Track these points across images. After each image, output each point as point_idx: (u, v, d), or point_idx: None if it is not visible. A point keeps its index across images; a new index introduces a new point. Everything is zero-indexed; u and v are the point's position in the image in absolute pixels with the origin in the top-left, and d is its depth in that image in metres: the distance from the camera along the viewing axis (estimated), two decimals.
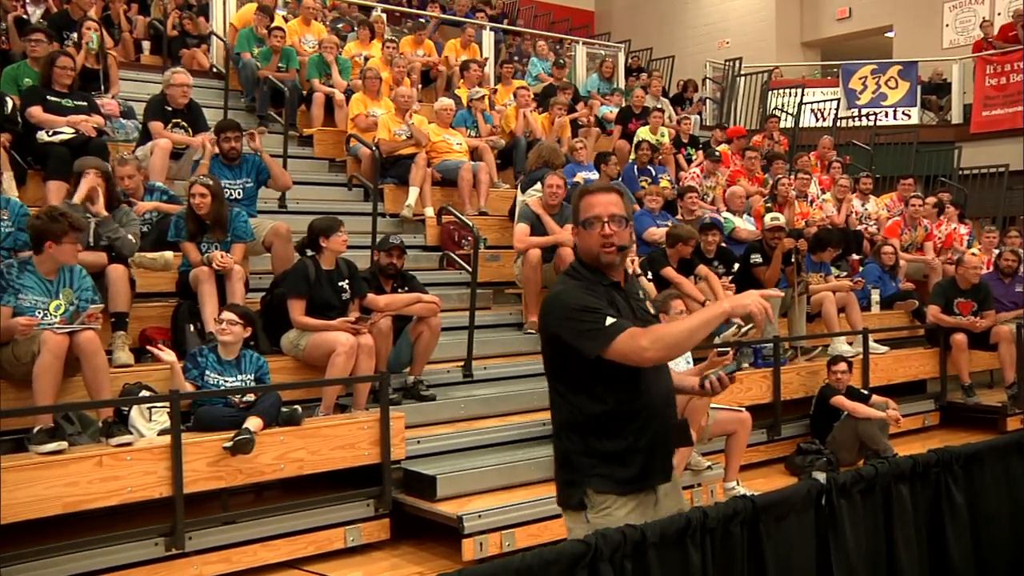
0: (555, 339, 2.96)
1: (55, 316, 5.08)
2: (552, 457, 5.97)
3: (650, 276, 7.34)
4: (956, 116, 15.78)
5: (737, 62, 16.23)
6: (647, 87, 13.04)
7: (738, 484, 6.43)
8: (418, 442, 5.87)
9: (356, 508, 5.47)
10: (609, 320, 2.85)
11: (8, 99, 6.94)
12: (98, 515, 4.74)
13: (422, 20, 12.89)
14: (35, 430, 4.72)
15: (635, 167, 10.09)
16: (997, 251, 9.79)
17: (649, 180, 9.77)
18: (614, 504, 2.98)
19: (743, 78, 16.12)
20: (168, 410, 4.91)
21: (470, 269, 7.28)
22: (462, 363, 6.85)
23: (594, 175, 9.33)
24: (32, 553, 4.44)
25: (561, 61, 13.24)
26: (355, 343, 5.74)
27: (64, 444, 4.71)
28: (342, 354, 5.66)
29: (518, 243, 7.55)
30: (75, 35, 8.74)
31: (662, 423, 3.05)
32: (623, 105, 12.36)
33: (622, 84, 14.19)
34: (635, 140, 10.98)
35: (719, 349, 6.49)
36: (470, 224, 7.58)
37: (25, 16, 9.01)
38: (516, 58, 13.94)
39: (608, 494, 2.98)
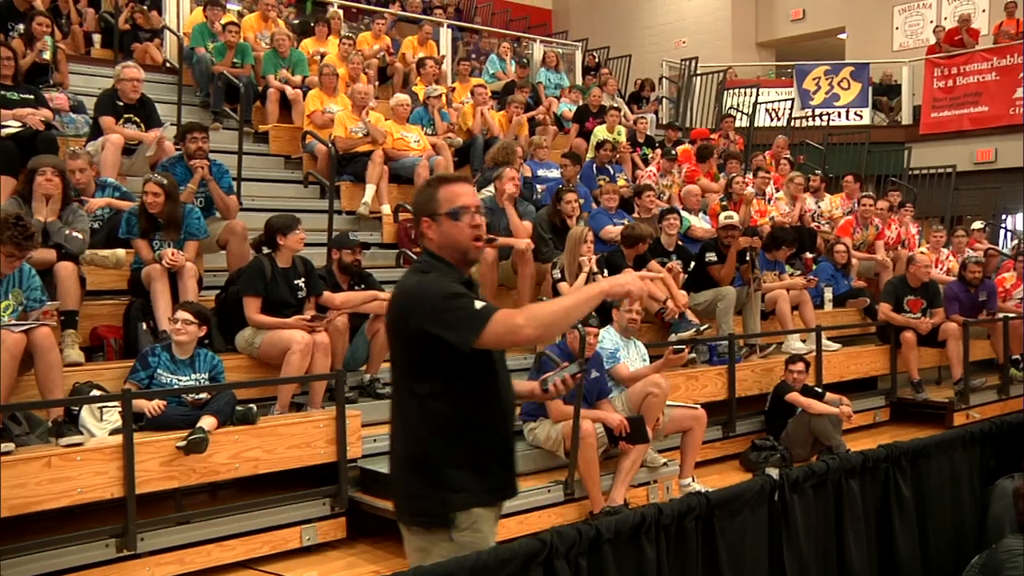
0: (421, 336, 2.69)
1: (4, 316, 4.99)
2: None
3: (607, 274, 7.37)
4: (906, 117, 16.09)
5: (693, 61, 16.38)
6: (603, 85, 13.10)
7: (693, 480, 6.49)
8: (374, 440, 5.83)
9: (312, 507, 5.44)
10: (478, 304, 2.66)
11: None
12: (48, 517, 4.65)
13: (381, 17, 12.81)
14: None
15: (594, 165, 10.13)
16: (945, 250, 9.97)
17: (607, 179, 9.81)
18: (480, 518, 2.80)
19: (699, 77, 16.26)
20: (119, 409, 4.84)
21: None
22: None
23: (556, 173, 9.37)
24: None
25: (524, 60, 13.26)
26: (311, 341, 5.71)
27: (11, 445, 4.62)
28: (297, 352, 5.63)
29: None
30: (20, 26, 8.58)
31: (511, 428, 2.95)
32: (580, 103, 12.41)
33: (579, 81, 14.24)
34: (592, 139, 11.03)
35: (675, 347, 6.62)
36: None
37: None
38: (474, 56, 13.92)
39: (475, 508, 2.79)
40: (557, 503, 5.85)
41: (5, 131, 6.75)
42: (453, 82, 11.97)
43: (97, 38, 10.90)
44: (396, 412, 2.87)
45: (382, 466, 5.67)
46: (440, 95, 10.20)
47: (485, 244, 2.85)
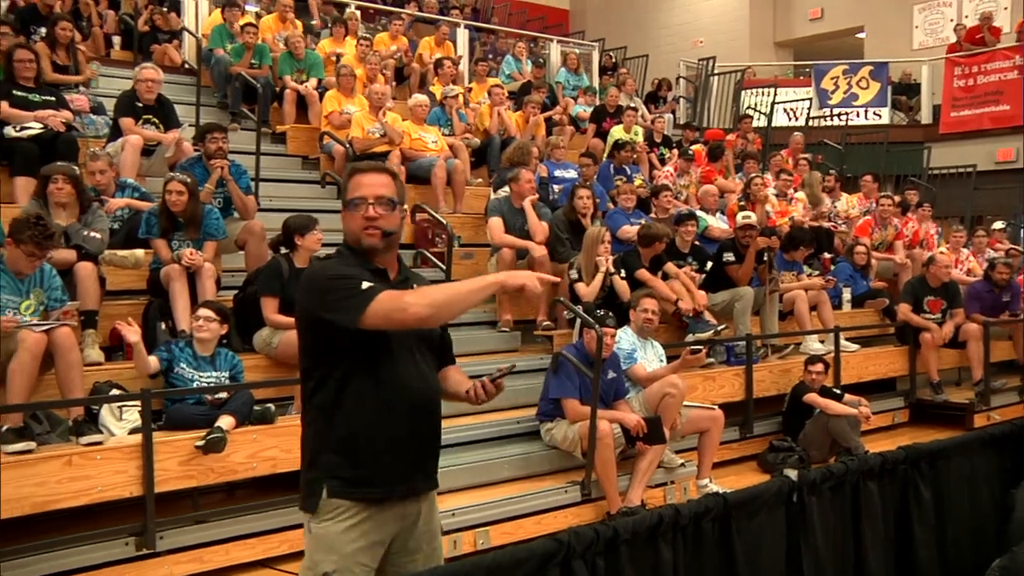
0: (315, 322, 2.74)
1: (26, 316, 5.03)
2: (526, 455, 6.03)
3: (624, 275, 7.37)
4: (926, 117, 15.98)
5: (710, 61, 16.33)
6: (621, 86, 13.08)
7: (711, 482, 6.47)
8: None
9: None
10: (365, 284, 2.65)
11: None
12: (68, 515, 4.68)
13: (398, 18, 12.83)
14: (3, 429, 4.67)
15: (611, 166, 10.12)
16: (965, 250, 9.89)
17: (624, 179, 9.80)
18: (342, 513, 2.77)
19: (716, 77, 16.21)
20: (139, 409, 4.87)
21: (444, 267, 7.27)
22: None
23: (573, 173, 9.36)
24: (2, 554, 4.39)
25: (540, 61, 13.26)
26: None
27: (32, 444, 4.66)
28: None
29: (493, 237, 7.56)
30: (43, 30, 8.65)
31: (412, 425, 2.83)
32: (596, 104, 12.40)
33: (596, 82, 14.23)
34: (609, 139, 11.02)
35: (692, 347, 6.60)
36: (444, 222, 7.56)
37: None
38: (490, 56, 13.93)
39: (338, 498, 2.77)
40: (574, 503, 5.85)
41: (27, 133, 6.81)
42: (470, 82, 11.98)
43: (117, 40, 10.97)
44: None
45: None
46: (457, 95, 10.21)
47: (381, 236, 2.79)
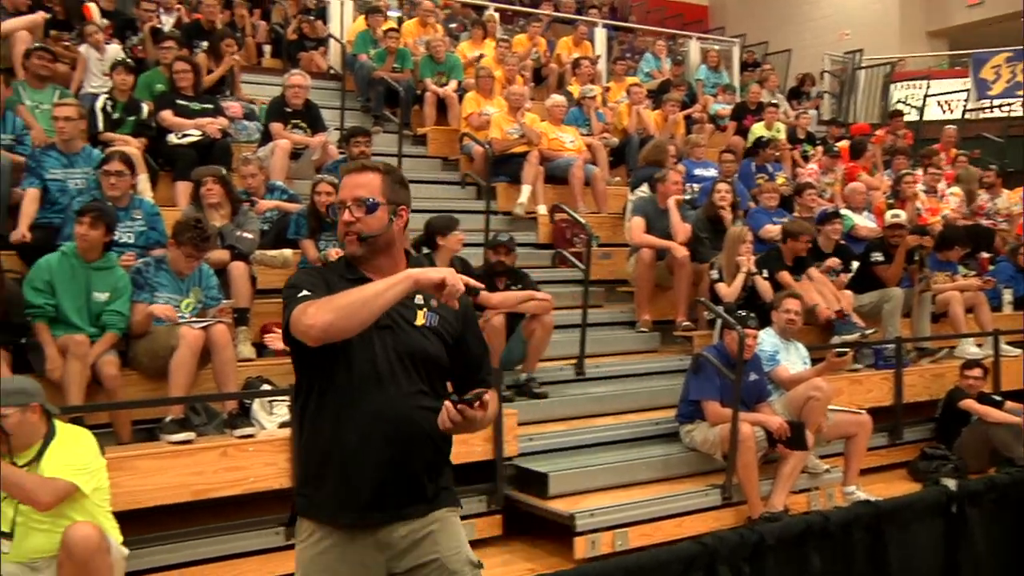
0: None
1: (185, 313, 5.30)
2: (666, 456, 5.96)
3: (766, 275, 7.19)
4: None
5: (857, 54, 15.74)
6: (763, 82, 12.78)
7: (858, 489, 6.23)
8: (530, 439, 5.89)
9: (469, 504, 5.50)
10: (302, 294, 2.49)
11: (143, 105, 7.29)
12: (222, 503, 4.88)
13: (536, 19, 12.89)
14: (166, 420, 4.93)
15: (752, 164, 9.89)
16: None
17: (766, 177, 9.56)
18: (314, 534, 2.60)
19: (864, 71, 15.61)
20: (288, 404, 5.04)
21: (583, 267, 7.27)
22: (575, 361, 6.84)
23: (713, 172, 9.20)
24: (162, 537, 4.63)
25: (679, 58, 13.09)
26: None
27: (192, 435, 4.90)
28: None
29: (633, 236, 7.50)
30: (205, 43, 9.11)
31: (383, 449, 2.55)
32: (735, 102, 12.15)
33: (736, 79, 13.94)
34: (750, 136, 10.78)
35: (838, 350, 6.38)
36: (583, 222, 7.56)
37: (159, 26, 9.41)
38: (628, 55, 13.83)
39: (304, 518, 2.63)
40: (714, 507, 5.74)
41: (187, 139, 7.18)
42: (608, 82, 11.93)
43: (267, 49, 11.41)
44: None
45: (539, 465, 5.71)
46: (595, 95, 10.18)
47: (359, 242, 2.59)
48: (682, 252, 7.31)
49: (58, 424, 4.03)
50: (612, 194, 9.11)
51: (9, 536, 3.82)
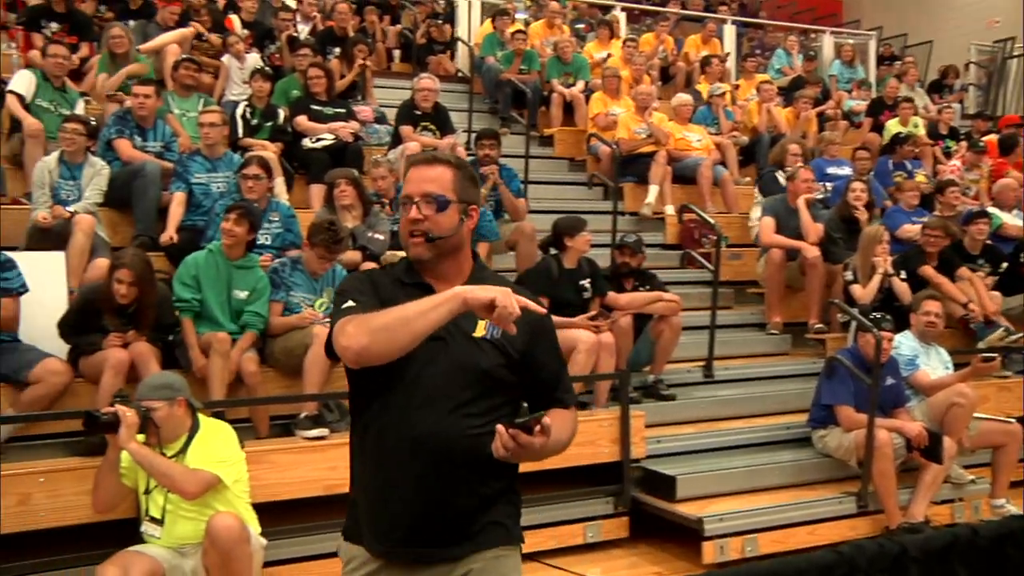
0: None
1: (319, 312, 5.46)
2: (797, 462, 5.82)
3: (904, 276, 6.92)
4: None
5: (1009, 43, 14.92)
6: (902, 76, 12.30)
7: (1007, 502, 5.91)
8: (658, 441, 5.84)
9: (596, 505, 5.50)
10: (347, 305, 2.24)
11: (280, 111, 7.56)
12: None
13: (664, 18, 12.75)
14: (301, 416, 5.10)
15: (889, 161, 9.53)
16: None
17: (904, 175, 9.21)
18: (358, 559, 2.37)
19: (1015, 60, 14.79)
20: None
21: (711, 268, 7.16)
22: (703, 363, 6.75)
23: (846, 170, 8.92)
24: (298, 529, 4.78)
25: (811, 54, 12.74)
26: (596, 341, 5.77)
27: (326, 431, 5.05)
28: (583, 352, 5.71)
29: (763, 237, 7.35)
30: (337, 49, 9.37)
31: (423, 481, 2.25)
32: (871, 98, 11.73)
33: (872, 74, 13.45)
34: (885, 133, 10.40)
35: (984, 355, 6.09)
36: (712, 222, 7.44)
37: (295, 34, 9.74)
38: (758, 51, 13.53)
39: (347, 543, 2.41)
40: (849, 515, 5.56)
41: (321, 143, 7.40)
42: (737, 79, 11.70)
43: (397, 53, 11.65)
44: None
45: (666, 467, 5.66)
46: (724, 93, 10.01)
47: (426, 243, 2.31)
48: (813, 252, 7.11)
49: (202, 418, 4.23)
50: (742, 194, 8.94)
51: (160, 522, 4.03)
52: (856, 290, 6.79)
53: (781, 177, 8.11)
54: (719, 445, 6.05)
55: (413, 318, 2.10)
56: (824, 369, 6.01)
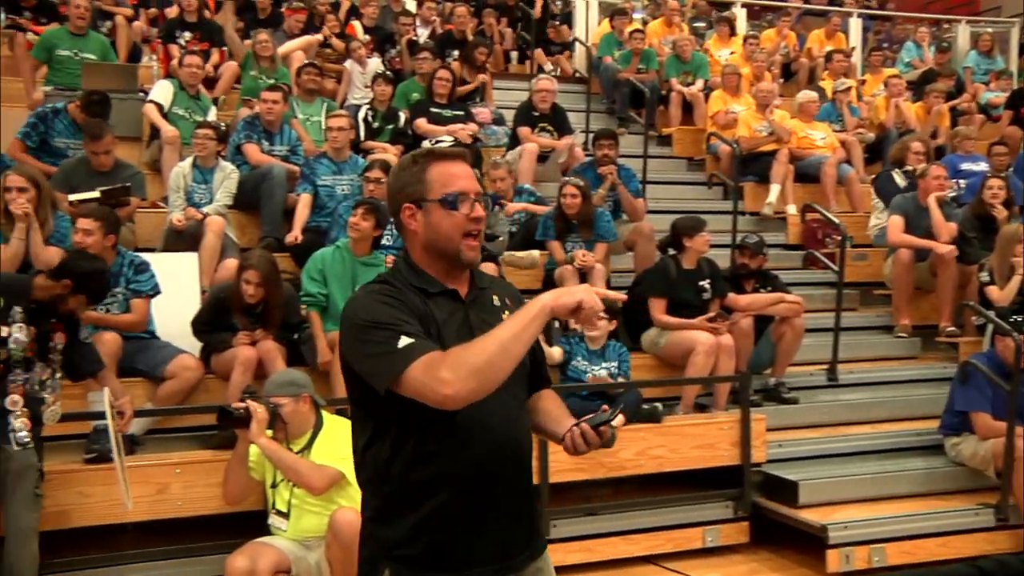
0: (349, 366, 2.16)
1: None
2: (928, 470, 5.60)
3: None
4: None
5: None
6: None
7: None
8: (779, 446, 5.71)
9: (715, 509, 5.42)
10: (404, 341, 2.01)
11: (400, 114, 7.71)
12: None
13: (785, 13, 12.45)
14: None
15: None
16: None
17: None
18: None
19: None
20: None
21: (836, 268, 6.96)
22: (826, 366, 6.57)
23: (982, 166, 8.53)
24: None
25: (945, 45, 12.24)
26: (715, 342, 5.69)
27: None
28: (702, 353, 5.64)
29: (891, 236, 7.09)
30: (456, 52, 9.50)
31: (499, 485, 2.16)
32: (1012, 89, 11.17)
33: (1014, 64, 12.82)
34: None
35: None
36: (836, 222, 7.23)
37: (415, 38, 9.91)
38: (886, 45, 13.07)
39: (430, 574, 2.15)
40: (986, 528, 5.30)
41: (440, 145, 7.49)
42: (863, 74, 11.34)
43: (514, 55, 11.72)
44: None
45: (788, 472, 5.53)
46: (848, 89, 9.70)
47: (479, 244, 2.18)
48: (945, 249, 6.82)
49: (325, 414, 4.34)
50: (867, 192, 8.65)
51: (286, 515, 4.16)
52: (992, 292, 6.49)
53: (898, 177, 7.81)
54: (843, 451, 5.87)
55: (511, 344, 1.96)
56: (958, 374, 5.76)
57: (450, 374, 1.94)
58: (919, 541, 5.11)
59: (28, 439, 3.83)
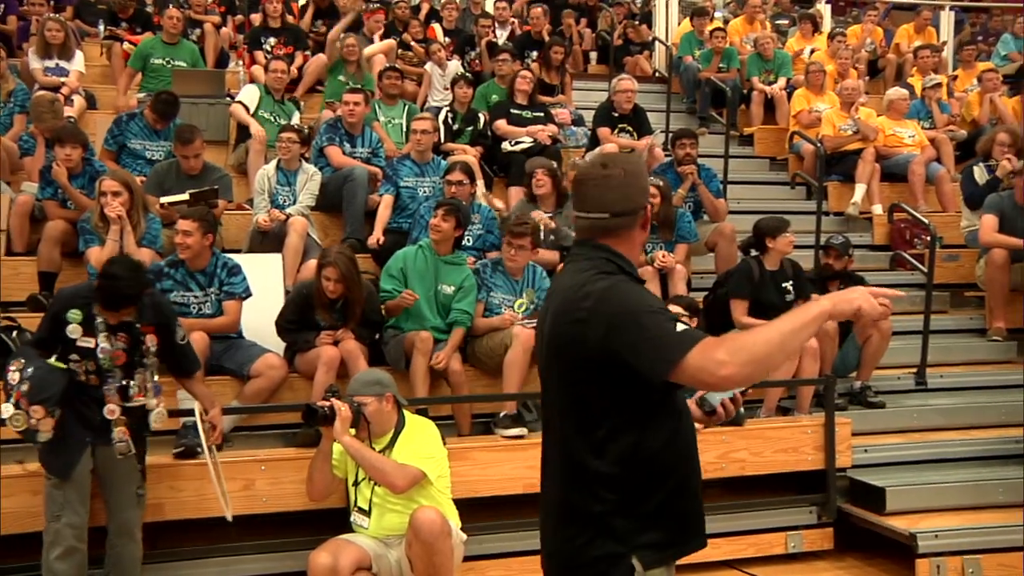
0: (606, 357, 2.15)
1: (518, 313, 5.55)
2: (1022, 480, 5.39)
3: None
4: None
5: None
6: None
7: None
8: (865, 451, 5.59)
9: (798, 514, 5.34)
10: (680, 325, 2.11)
11: (480, 115, 7.76)
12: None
13: (873, 7, 12.16)
14: (501, 415, 5.19)
15: None
16: None
17: None
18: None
19: None
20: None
21: (924, 270, 6.78)
22: (914, 370, 6.41)
23: None
24: (498, 526, 4.88)
25: None
26: None
27: (524, 430, 5.12)
28: None
29: (984, 236, 6.87)
30: (534, 53, 9.51)
31: (697, 464, 2.36)
32: None
33: None
34: None
35: None
36: (925, 221, 7.04)
37: (494, 39, 9.96)
38: (980, 38, 12.68)
39: (655, 568, 2.24)
40: None
41: (520, 146, 7.54)
42: (955, 69, 11.01)
43: (593, 55, 11.69)
44: (552, 454, 2.38)
45: (875, 478, 5.41)
46: (938, 85, 9.44)
47: None
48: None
49: (407, 414, 4.38)
50: (958, 192, 8.39)
51: (367, 513, 4.21)
52: None
53: (978, 173, 7.54)
54: (933, 457, 5.73)
55: (789, 339, 2.06)
56: None
57: (728, 356, 2.02)
58: (1017, 553, 4.94)
59: (128, 448, 3.96)
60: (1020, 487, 5.44)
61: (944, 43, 11.66)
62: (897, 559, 5.04)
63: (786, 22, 12.20)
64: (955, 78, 10.50)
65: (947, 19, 12.42)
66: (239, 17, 10.25)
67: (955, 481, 5.47)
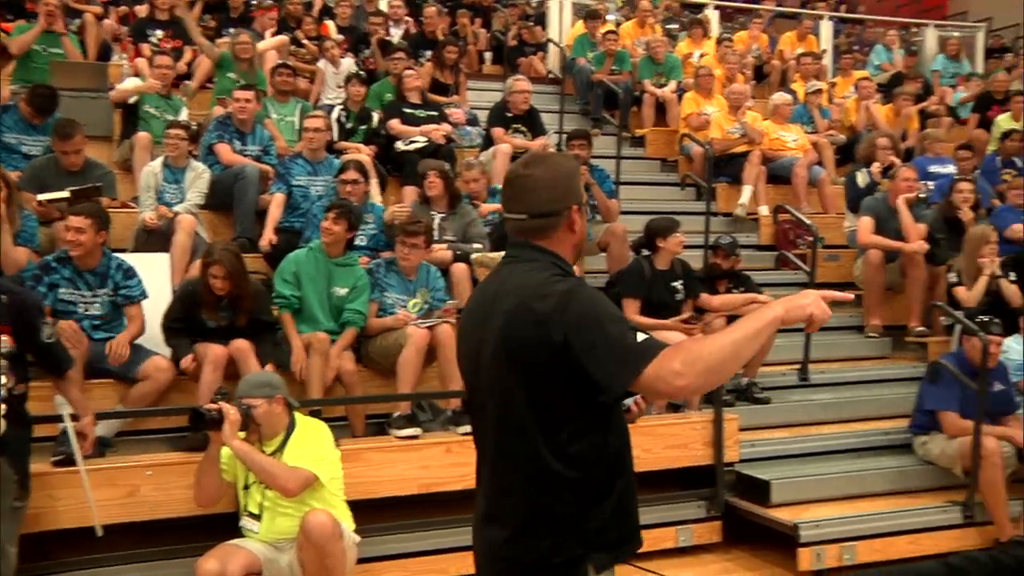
0: (563, 360, 2.11)
1: (412, 313, 5.53)
2: (899, 469, 5.64)
3: (1014, 278, 6.65)
4: None
5: None
6: (1011, 69, 11.84)
7: None
8: (752, 445, 5.75)
9: (687, 509, 5.45)
10: (639, 335, 2.08)
11: (374, 114, 7.69)
12: (446, 498, 4.97)
13: (758, 15, 12.53)
14: (395, 415, 5.16)
15: (997, 158, 9.19)
16: None
17: (1014, 172, 8.86)
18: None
19: None
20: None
21: (807, 269, 7.01)
22: (798, 366, 6.62)
23: (950, 168, 8.63)
24: (392, 527, 4.85)
25: (913, 48, 12.38)
26: None
27: (418, 430, 5.10)
28: None
29: (861, 237, 7.15)
30: (428, 52, 9.48)
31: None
32: (979, 92, 11.31)
33: (980, 69, 12.99)
34: (994, 129, 10.01)
35: None
36: (808, 223, 7.29)
37: (388, 38, 9.88)
38: (856, 47, 13.20)
39: (608, 570, 2.25)
40: (954, 525, 5.38)
41: (413, 146, 7.50)
42: (834, 77, 11.44)
43: (488, 55, 11.73)
44: (505, 460, 2.29)
45: (760, 471, 5.57)
46: (819, 91, 9.79)
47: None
48: (915, 249, 6.88)
49: (298, 416, 4.31)
50: (839, 194, 8.72)
51: (258, 517, 4.13)
52: (961, 292, 6.57)
53: (860, 177, 7.87)
54: (815, 450, 5.93)
55: (743, 346, 2.05)
56: (927, 374, 5.84)
57: (683, 367, 2.00)
58: (889, 539, 5.18)
59: None
60: (893, 476, 5.70)
61: (824, 51, 12.10)
62: (781, 549, 5.19)
63: (676, 26, 12.45)
64: (834, 85, 10.90)
65: (826, 28, 12.90)
66: (123, 8, 9.91)
67: (835, 472, 5.68)
